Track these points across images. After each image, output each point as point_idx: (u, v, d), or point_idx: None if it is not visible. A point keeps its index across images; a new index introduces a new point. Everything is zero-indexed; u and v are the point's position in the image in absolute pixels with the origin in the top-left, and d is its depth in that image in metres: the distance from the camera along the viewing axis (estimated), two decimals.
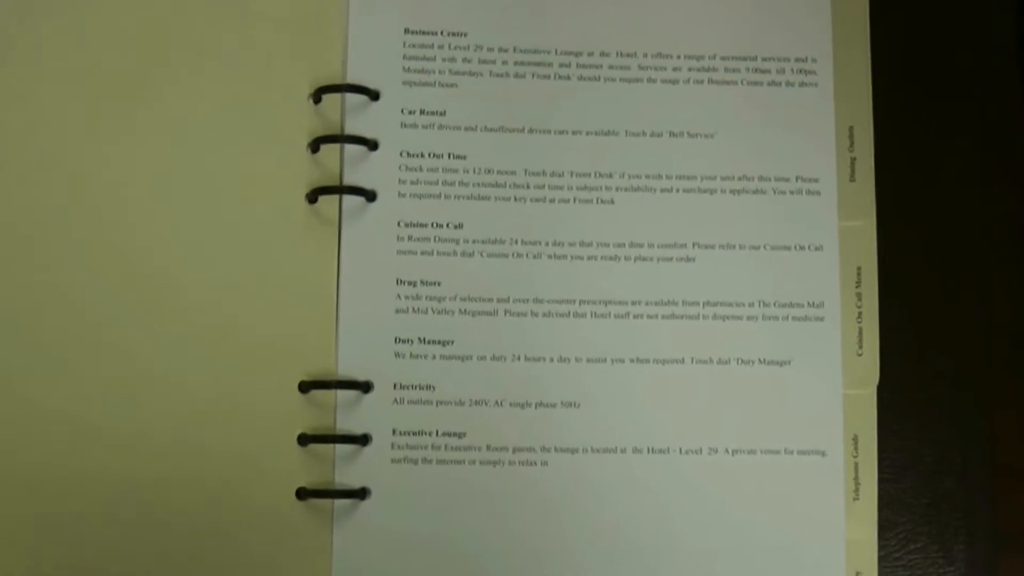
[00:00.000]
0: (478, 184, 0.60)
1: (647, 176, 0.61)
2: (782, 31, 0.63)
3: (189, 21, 0.61)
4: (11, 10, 0.60)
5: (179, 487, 0.57)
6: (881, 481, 0.60)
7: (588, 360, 0.59)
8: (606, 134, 0.61)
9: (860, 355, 0.60)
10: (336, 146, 0.60)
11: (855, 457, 0.60)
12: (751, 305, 0.60)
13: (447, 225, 0.60)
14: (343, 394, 0.58)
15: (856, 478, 0.59)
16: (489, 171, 0.61)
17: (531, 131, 0.61)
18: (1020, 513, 0.61)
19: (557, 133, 0.61)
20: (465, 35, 0.62)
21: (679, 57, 0.62)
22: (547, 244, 0.60)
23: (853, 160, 0.61)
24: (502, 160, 0.61)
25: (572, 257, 0.60)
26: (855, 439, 0.60)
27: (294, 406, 0.58)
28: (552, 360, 0.59)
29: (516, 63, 0.62)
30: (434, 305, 0.59)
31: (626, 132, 0.61)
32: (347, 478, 0.58)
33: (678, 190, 0.61)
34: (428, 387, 0.59)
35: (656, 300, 0.60)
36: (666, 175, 0.61)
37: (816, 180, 0.61)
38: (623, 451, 0.59)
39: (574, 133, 0.61)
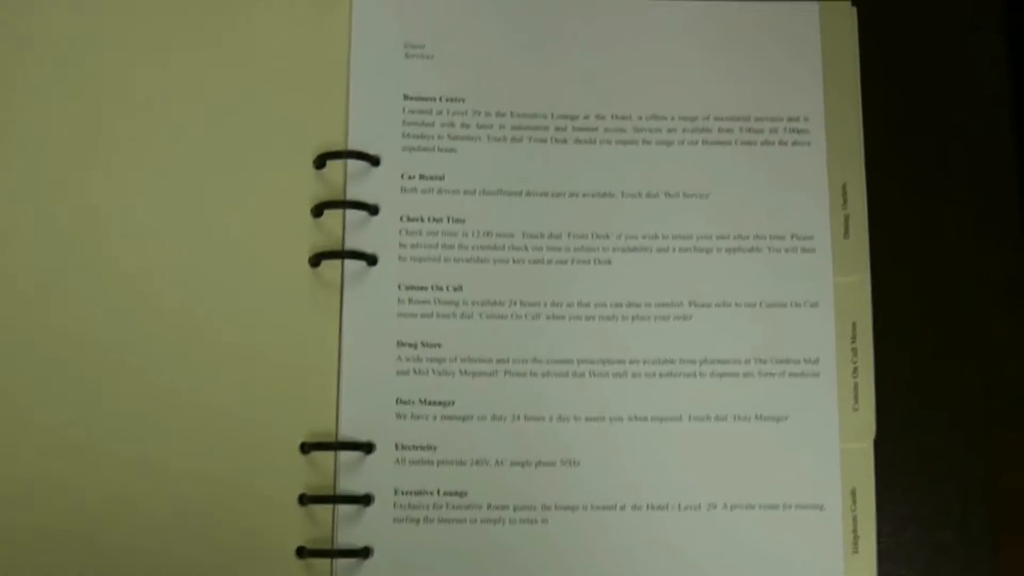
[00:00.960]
0: (477, 247, 0.61)
1: (644, 236, 0.62)
2: (775, 91, 0.64)
3: (197, 86, 0.62)
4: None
5: (178, 543, 0.58)
6: (880, 534, 0.60)
7: (587, 419, 0.60)
8: (603, 196, 0.62)
9: (856, 410, 0.60)
10: (338, 211, 0.61)
11: (853, 511, 0.60)
12: (747, 362, 0.61)
13: (447, 288, 0.61)
14: (345, 455, 0.59)
15: (855, 531, 0.59)
16: (488, 234, 0.61)
17: (528, 194, 0.62)
18: (1020, 566, 0.61)
19: (554, 196, 0.62)
20: (463, 100, 0.63)
21: (673, 118, 0.63)
22: (546, 305, 0.61)
23: (847, 217, 0.62)
24: (500, 223, 0.61)
25: (570, 317, 0.61)
26: (853, 493, 0.60)
27: (295, 466, 0.59)
28: (551, 419, 0.60)
29: (513, 127, 0.62)
30: (435, 366, 0.60)
31: (622, 193, 0.62)
32: (348, 538, 0.58)
33: (674, 250, 0.62)
34: (429, 447, 0.59)
35: (653, 358, 0.60)
36: (662, 235, 0.62)
37: (811, 237, 0.62)
38: (622, 508, 0.59)
39: (571, 195, 0.62)
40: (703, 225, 0.62)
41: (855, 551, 0.59)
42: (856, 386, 0.61)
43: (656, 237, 0.62)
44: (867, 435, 0.60)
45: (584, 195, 0.62)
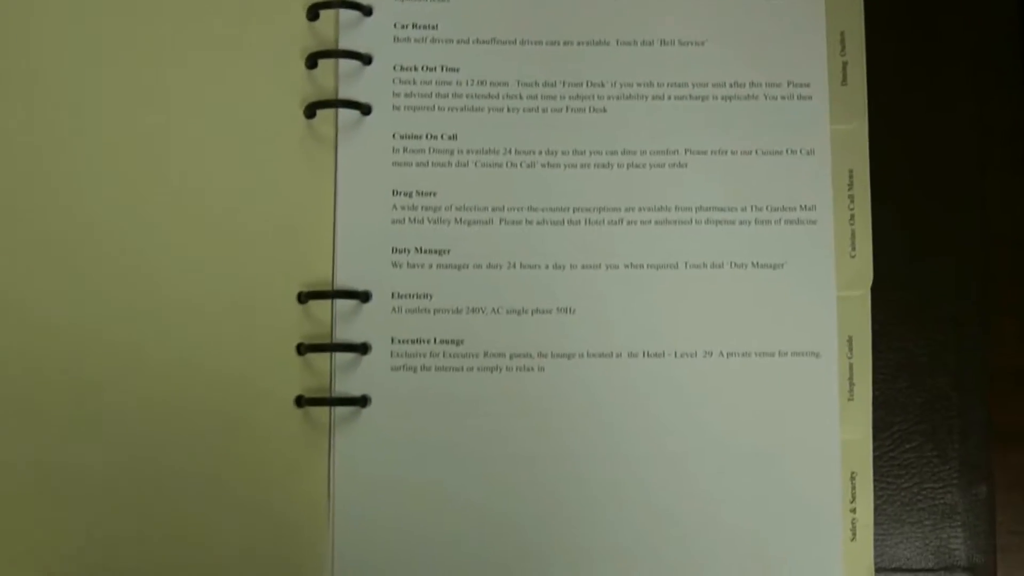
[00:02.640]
0: (471, 96, 0.61)
1: (638, 84, 0.61)
2: None
3: None
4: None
5: (176, 397, 0.58)
6: (875, 382, 0.60)
7: (583, 266, 0.60)
8: (598, 44, 0.61)
9: (853, 257, 0.60)
10: (331, 62, 0.60)
11: (849, 358, 0.60)
12: (744, 209, 0.60)
13: (441, 136, 0.60)
14: (342, 304, 0.59)
15: (851, 379, 0.60)
16: (482, 82, 0.61)
17: (523, 43, 0.61)
18: (1014, 412, 0.62)
19: (549, 44, 0.61)
20: None
21: None
22: (541, 153, 0.60)
23: (845, 64, 0.61)
24: (495, 71, 0.61)
25: (565, 166, 0.60)
26: (849, 340, 0.60)
27: (293, 316, 0.59)
28: (547, 267, 0.60)
29: None
30: (430, 215, 0.60)
31: (617, 41, 0.61)
32: (346, 387, 0.59)
33: (669, 97, 0.61)
34: (425, 295, 0.59)
35: (649, 206, 0.60)
36: (657, 83, 0.61)
37: (807, 85, 0.61)
38: (618, 355, 0.59)
39: (565, 44, 0.61)
40: (699, 72, 0.61)
41: (850, 398, 0.60)
42: (853, 233, 0.61)
43: (652, 85, 0.61)
44: (864, 282, 0.60)
45: (579, 43, 0.61)
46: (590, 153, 0.61)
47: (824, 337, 0.60)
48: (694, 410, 0.59)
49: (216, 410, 0.58)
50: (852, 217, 0.60)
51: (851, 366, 0.60)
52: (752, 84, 0.61)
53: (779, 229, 0.60)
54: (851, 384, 0.60)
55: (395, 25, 0.61)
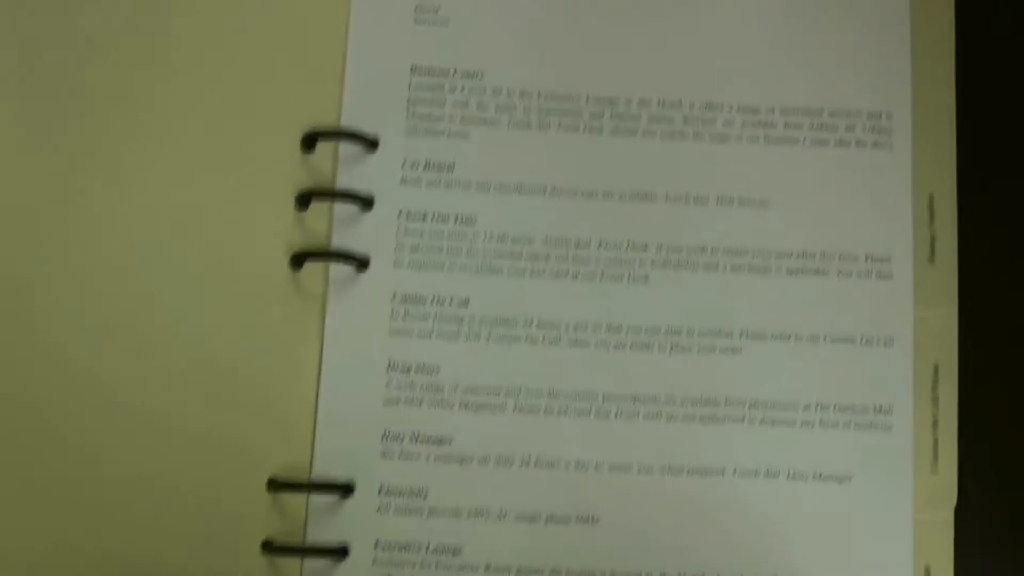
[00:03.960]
0: (489, 253, 0.53)
1: (689, 250, 0.53)
2: (853, 82, 0.55)
3: (172, 46, 0.54)
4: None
5: None
6: None
7: (610, 467, 0.52)
8: (642, 198, 0.54)
9: (935, 472, 0.52)
10: (326, 203, 0.53)
11: None
12: (806, 408, 0.52)
13: (450, 301, 0.53)
14: (318, 498, 0.51)
15: None
16: (503, 238, 0.53)
17: (553, 192, 0.54)
18: None
19: (584, 196, 0.54)
20: (481, 76, 0.55)
21: (731, 109, 0.55)
22: (567, 328, 0.53)
23: (933, 237, 0.54)
24: (518, 225, 0.53)
25: (596, 344, 0.53)
26: (927, 571, 0.52)
27: (260, 508, 0.51)
28: (567, 466, 0.52)
29: (540, 111, 0.54)
30: (430, 396, 0.52)
31: (666, 196, 0.54)
32: None
33: (725, 268, 0.53)
34: (420, 493, 0.51)
35: (694, 399, 0.52)
36: (711, 249, 0.53)
37: (887, 260, 0.54)
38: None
39: (604, 196, 0.54)
40: (760, 239, 0.54)
41: None
42: (936, 443, 0.53)
43: (704, 251, 0.53)
44: (946, 503, 0.52)
45: (620, 196, 0.54)
46: (627, 331, 0.53)
47: (896, 568, 0.52)
48: None
49: None
50: (935, 423, 0.53)
51: None
52: (823, 255, 0.54)
53: (847, 435, 0.52)
54: None
55: (404, 163, 0.54)
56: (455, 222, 0.53)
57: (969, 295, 0.54)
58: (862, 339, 0.53)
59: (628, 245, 0.53)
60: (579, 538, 0.51)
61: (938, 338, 0.53)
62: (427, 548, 0.51)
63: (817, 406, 0.52)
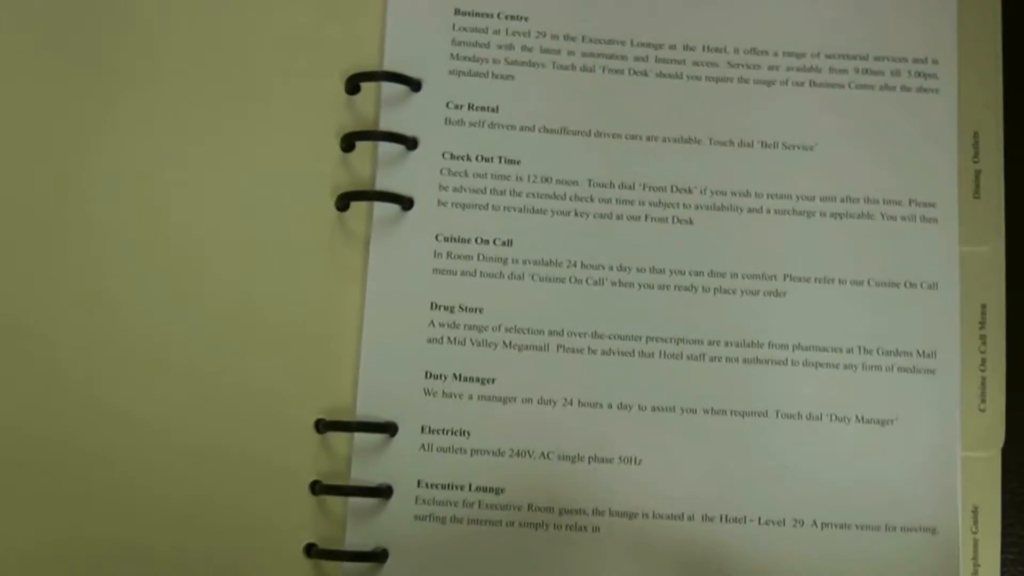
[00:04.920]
0: (533, 195, 0.53)
1: (733, 193, 0.53)
2: (898, 26, 0.55)
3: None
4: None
5: (176, 535, 0.50)
6: (1005, 563, 0.52)
7: (654, 408, 0.51)
8: (687, 142, 0.54)
9: (983, 410, 0.52)
10: (370, 144, 0.53)
11: (975, 533, 0.51)
12: (850, 351, 0.52)
13: (494, 242, 0.53)
14: (362, 437, 0.51)
15: (975, 559, 0.51)
16: (547, 179, 0.53)
17: (598, 134, 0.53)
18: None
19: (629, 138, 0.54)
20: (526, 19, 0.55)
21: (776, 54, 0.55)
22: (611, 269, 0.52)
23: (978, 173, 0.54)
24: (562, 167, 0.53)
25: (640, 285, 0.52)
26: (975, 512, 0.51)
27: (308, 448, 0.51)
28: (611, 407, 0.51)
29: (584, 54, 0.54)
30: (474, 336, 0.52)
31: (711, 140, 0.54)
32: (362, 537, 0.50)
33: (770, 211, 0.53)
34: (462, 432, 0.51)
35: (738, 341, 0.52)
36: (756, 192, 0.53)
37: (932, 205, 0.53)
38: (691, 518, 0.51)
39: (649, 139, 0.54)
40: (806, 183, 0.53)
41: None
42: (984, 381, 0.52)
43: (748, 195, 0.53)
44: (995, 442, 0.52)
45: (664, 140, 0.54)
46: (670, 272, 0.52)
47: (944, 508, 0.51)
48: None
49: (216, 559, 0.50)
50: (983, 362, 0.52)
51: (976, 543, 0.51)
52: (867, 199, 0.53)
53: (892, 377, 0.52)
54: (975, 566, 0.51)
55: (448, 104, 0.54)
56: (499, 163, 0.53)
57: (1014, 232, 0.53)
58: (906, 283, 0.52)
59: (672, 188, 0.53)
60: (622, 479, 0.51)
61: (985, 276, 0.53)
62: (470, 488, 0.51)
63: (861, 349, 0.52)
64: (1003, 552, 0.51)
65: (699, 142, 0.53)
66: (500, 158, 0.53)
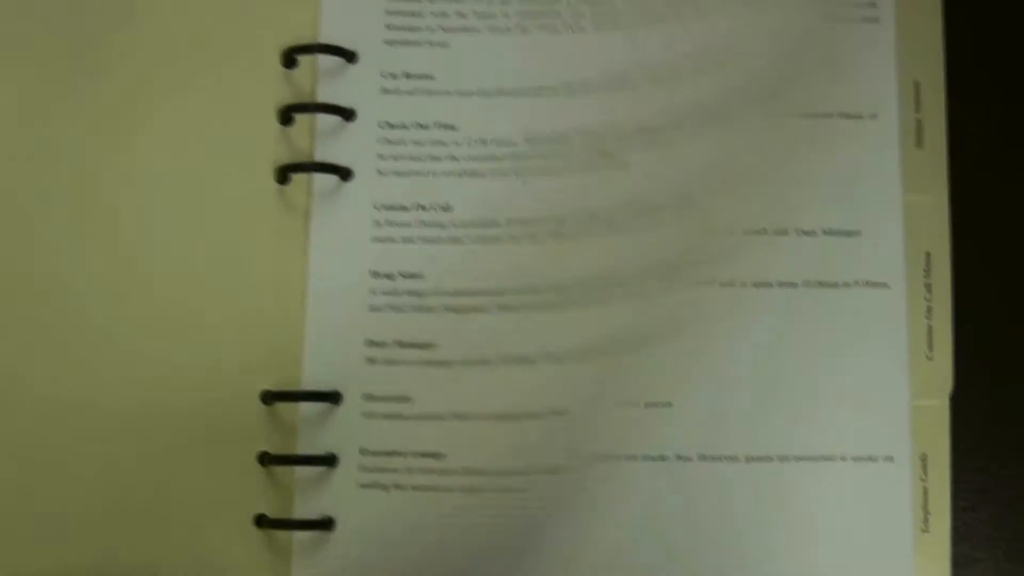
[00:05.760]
0: (470, 158, 0.53)
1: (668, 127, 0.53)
2: None
3: None
4: None
5: (122, 502, 0.51)
6: (955, 509, 0.51)
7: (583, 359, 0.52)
8: (620, 87, 0.54)
9: (930, 358, 0.52)
10: (308, 117, 0.54)
11: (924, 481, 0.51)
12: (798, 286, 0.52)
13: (432, 207, 0.53)
14: (308, 407, 0.52)
15: (925, 507, 0.51)
16: (484, 142, 0.53)
17: (535, 93, 0.54)
18: None
19: (565, 92, 0.54)
20: None
21: None
22: (548, 222, 0.53)
23: (919, 122, 0.53)
24: (499, 128, 0.53)
25: (575, 234, 0.53)
26: (924, 459, 0.51)
27: (257, 420, 0.52)
28: (547, 361, 0.52)
29: (519, 14, 0.54)
30: (414, 301, 0.52)
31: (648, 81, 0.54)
32: (309, 506, 0.51)
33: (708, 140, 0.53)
34: (404, 399, 0.52)
35: (683, 280, 0.52)
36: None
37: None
38: (632, 459, 0.51)
39: (584, 89, 0.54)
40: (736, 103, 0.54)
41: (925, 530, 0.51)
42: (930, 329, 0.52)
43: (681, 127, 0.53)
44: (942, 390, 0.52)
45: (599, 87, 0.54)
46: (606, 219, 0.52)
47: (894, 454, 0.51)
48: (739, 526, 0.51)
49: (166, 531, 0.51)
50: (929, 310, 0.52)
51: (925, 491, 0.51)
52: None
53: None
54: (926, 513, 0.51)
55: (383, 74, 0.54)
56: (436, 129, 0.53)
57: (958, 180, 0.53)
58: (842, 232, 0.52)
59: (608, 132, 0.53)
60: (554, 436, 0.51)
61: (928, 224, 0.52)
62: (411, 454, 0.51)
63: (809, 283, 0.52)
64: (952, 501, 0.51)
65: (636, 86, 0.53)
66: (437, 124, 0.53)
